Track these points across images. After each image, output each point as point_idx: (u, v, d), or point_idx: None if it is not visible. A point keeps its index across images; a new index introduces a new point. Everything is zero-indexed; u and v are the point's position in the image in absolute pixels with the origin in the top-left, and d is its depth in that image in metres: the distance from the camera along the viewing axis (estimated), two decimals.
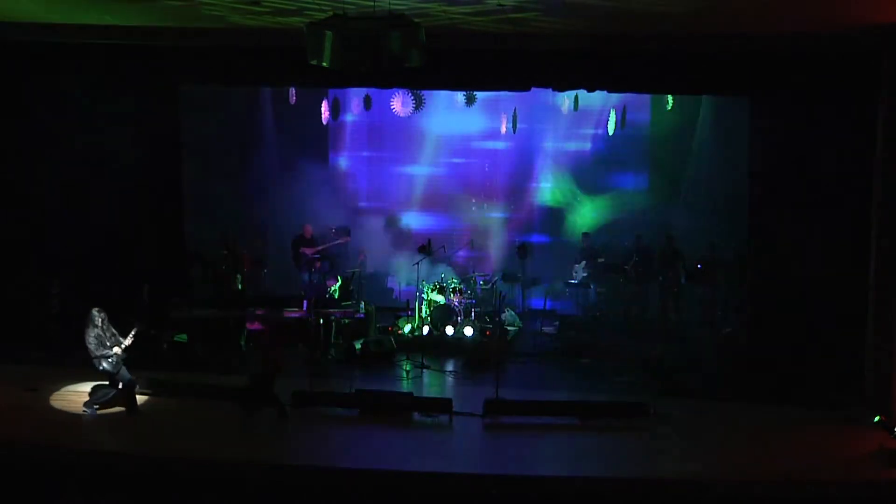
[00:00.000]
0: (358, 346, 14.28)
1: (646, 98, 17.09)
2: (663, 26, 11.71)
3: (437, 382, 13.43)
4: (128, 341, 11.39)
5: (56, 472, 9.89)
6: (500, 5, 10.34)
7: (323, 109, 17.88)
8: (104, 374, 11.43)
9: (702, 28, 11.82)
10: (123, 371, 11.46)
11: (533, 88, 13.87)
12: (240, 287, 15.78)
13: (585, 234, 17.32)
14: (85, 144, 14.11)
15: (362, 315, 15.00)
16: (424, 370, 13.65)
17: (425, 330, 15.11)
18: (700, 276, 15.49)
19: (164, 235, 14.48)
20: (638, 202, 17.92)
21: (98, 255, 14.16)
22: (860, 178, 12.21)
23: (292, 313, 14.22)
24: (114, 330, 11.44)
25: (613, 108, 17.23)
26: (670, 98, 16.62)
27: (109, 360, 11.28)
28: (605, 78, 13.15)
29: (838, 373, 12.37)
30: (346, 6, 9.84)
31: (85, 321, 11.32)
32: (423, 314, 15.56)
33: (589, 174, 18.27)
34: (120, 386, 11.46)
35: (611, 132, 17.41)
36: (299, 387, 12.03)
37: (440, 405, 11.73)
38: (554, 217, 18.52)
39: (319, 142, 18.74)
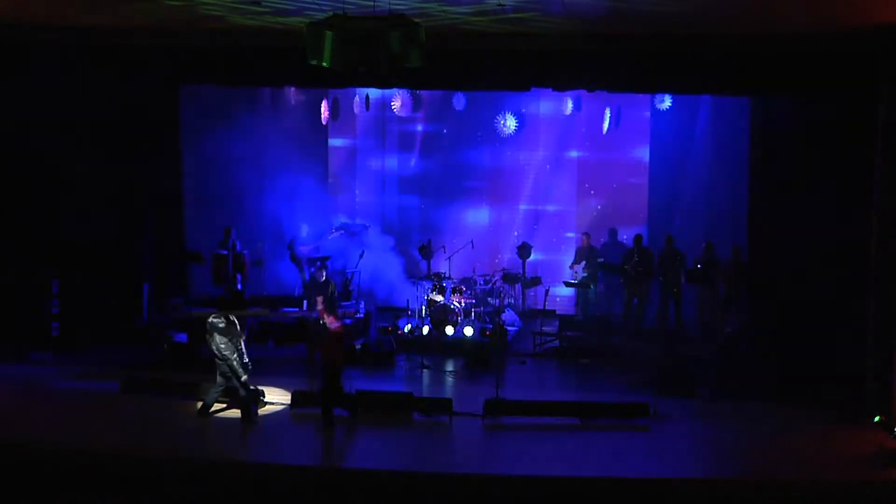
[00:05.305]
0: (358, 346, 14.28)
1: (645, 97, 17.08)
2: (663, 26, 11.71)
3: (437, 382, 13.43)
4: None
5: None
6: (501, 5, 10.33)
7: (323, 109, 17.87)
8: (233, 376, 11.22)
9: (701, 28, 11.82)
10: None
11: (533, 88, 13.87)
12: (240, 287, 15.78)
13: (586, 234, 17.31)
14: (85, 144, 14.10)
15: (362, 315, 14.98)
16: (424, 370, 13.67)
17: (425, 330, 15.11)
18: (700, 277, 15.48)
19: (164, 235, 14.47)
20: (637, 202, 17.92)
21: (98, 254, 14.16)
22: (860, 178, 12.19)
23: (291, 313, 14.20)
24: (238, 329, 11.31)
25: (608, 107, 17.26)
26: (667, 97, 16.61)
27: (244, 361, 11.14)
28: (605, 78, 13.13)
29: (838, 373, 12.36)
30: (346, 6, 9.84)
31: (207, 333, 11.14)
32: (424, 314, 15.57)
33: (588, 173, 18.26)
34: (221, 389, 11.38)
35: (604, 131, 17.44)
36: (299, 387, 12.04)
37: (440, 405, 11.74)
38: (554, 217, 18.50)
39: (319, 142, 18.73)
